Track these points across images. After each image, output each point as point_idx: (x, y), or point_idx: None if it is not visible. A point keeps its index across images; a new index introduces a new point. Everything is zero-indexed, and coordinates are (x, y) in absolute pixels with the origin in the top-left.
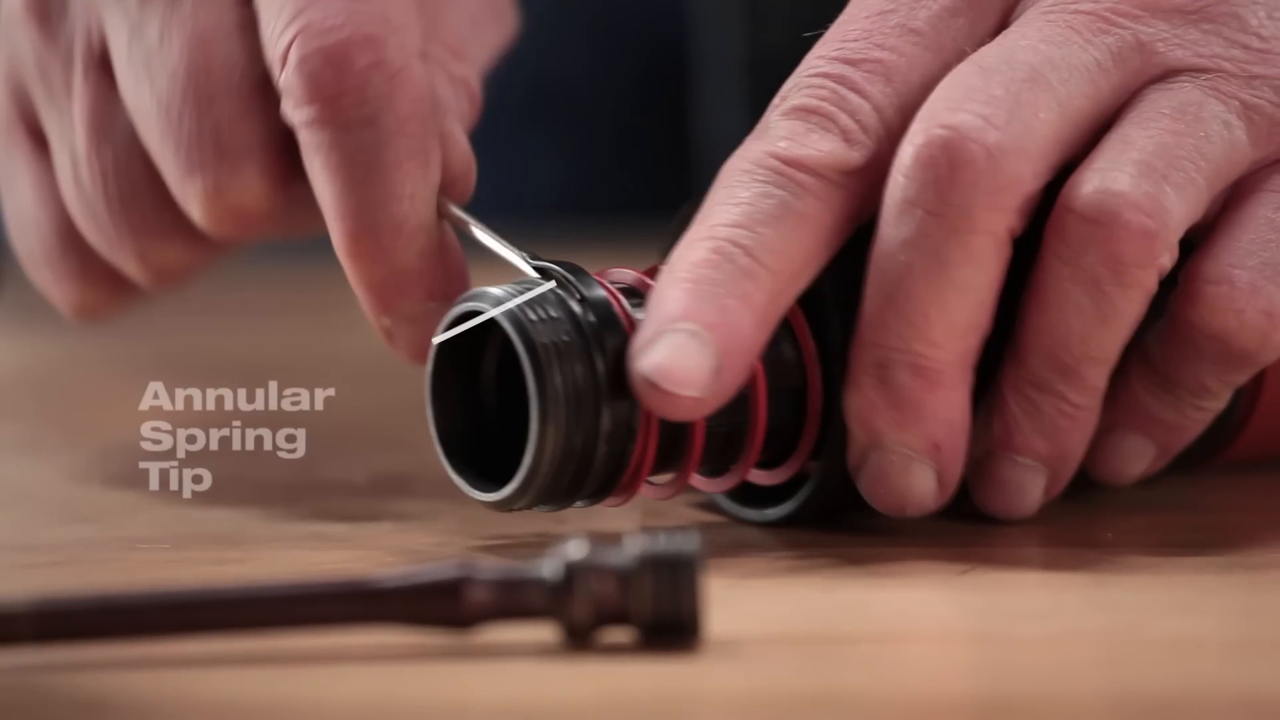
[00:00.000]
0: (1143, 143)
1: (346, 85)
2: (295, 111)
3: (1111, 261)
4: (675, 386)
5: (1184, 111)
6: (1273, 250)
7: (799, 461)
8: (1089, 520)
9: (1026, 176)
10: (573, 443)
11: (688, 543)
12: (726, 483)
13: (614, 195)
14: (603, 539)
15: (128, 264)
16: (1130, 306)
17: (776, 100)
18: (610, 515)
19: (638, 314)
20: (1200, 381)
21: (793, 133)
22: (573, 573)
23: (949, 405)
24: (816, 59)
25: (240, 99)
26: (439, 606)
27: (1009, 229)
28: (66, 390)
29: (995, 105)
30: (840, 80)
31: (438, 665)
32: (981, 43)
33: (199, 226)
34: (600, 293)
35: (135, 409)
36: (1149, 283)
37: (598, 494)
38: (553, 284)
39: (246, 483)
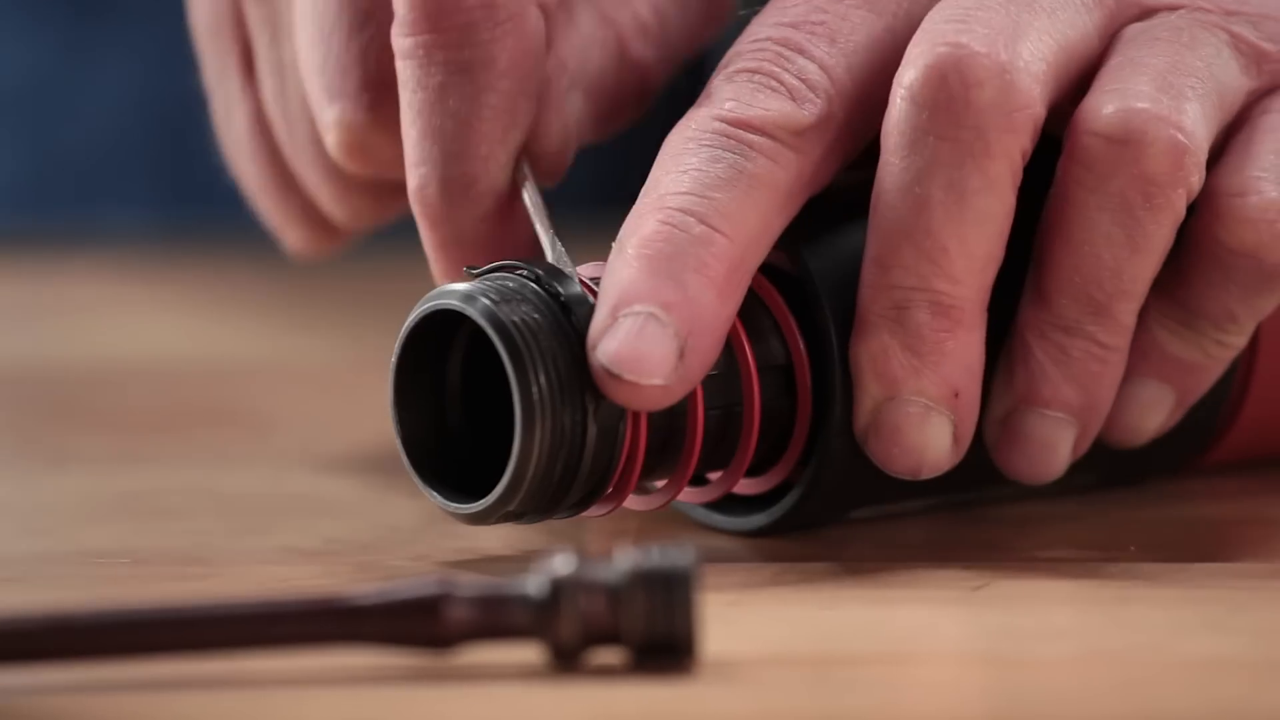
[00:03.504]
0: (1152, 61)
1: (450, 22)
2: (397, 39)
3: (1142, 183)
4: (637, 375)
5: (1179, 35)
6: None
7: (787, 466)
8: (1112, 532)
9: (1037, 98)
10: (560, 434)
11: (682, 557)
12: (717, 489)
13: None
14: (592, 554)
15: (325, 205)
16: (1161, 231)
17: (719, 67)
18: (598, 530)
19: None
20: (1228, 309)
21: (738, 95)
22: (559, 589)
23: (969, 347)
24: (757, 26)
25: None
26: (417, 625)
27: (1023, 153)
28: (19, 397)
29: (998, 26)
30: (783, 43)
31: (415, 688)
32: (926, 7)
33: (335, 158)
34: (576, 287)
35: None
36: (1180, 205)
37: (587, 497)
38: (523, 277)
39: (211, 494)
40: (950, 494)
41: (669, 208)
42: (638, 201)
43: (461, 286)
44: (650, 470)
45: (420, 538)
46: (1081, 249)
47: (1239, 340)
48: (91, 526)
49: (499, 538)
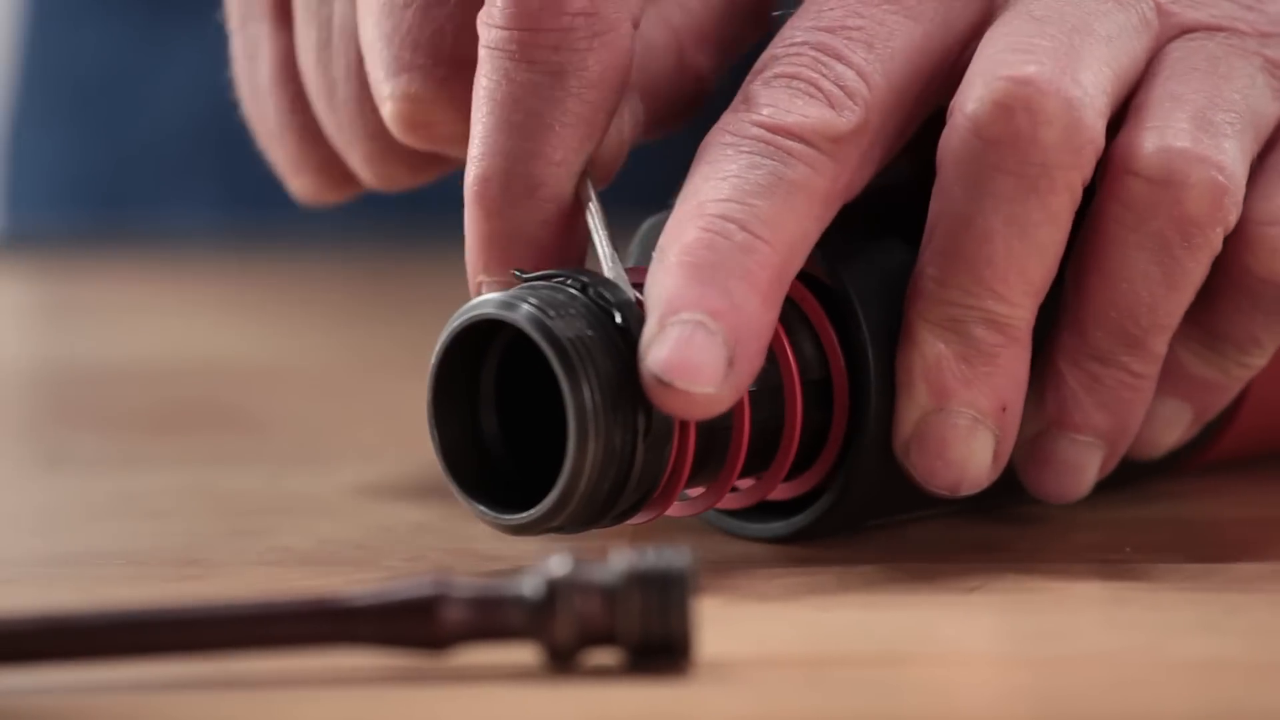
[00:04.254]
0: (1191, 97)
1: (550, 24)
2: (486, 28)
3: (1182, 223)
4: (688, 383)
5: (1215, 66)
6: None
7: (816, 476)
8: (1108, 533)
9: (1100, 131)
10: (611, 449)
11: (678, 558)
12: (750, 497)
13: None
14: (587, 554)
15: (354, 163)
16: (1198, 269)
17: (755, 71)
18: (594, 532)
19: None
20: (1252, 334)
21: (776, 100)
22: (555, 590)
23: (1020, 361)
24: (793, 29)
25: (470, 7)
26: (412, 626)
27: (1084, 182)
28: (16, 398)
29: (1063, 57)
30: (821, 48)
31: (411, 688)
32: (963, 14)
33: (389, 127)
34: (627, 294)
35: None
36: (1216, 242)
37: (632, 509)
38: (571, 287)
39: (207, 495)
40: (966, 506)
41: (710, 215)
42: (676, 208)
43: (501, 296)
44: (693, 479)
45: (416, 539)
46: (1119, 285)
47: (1260, 361)
48: (88, 527)
49: (495, 539)
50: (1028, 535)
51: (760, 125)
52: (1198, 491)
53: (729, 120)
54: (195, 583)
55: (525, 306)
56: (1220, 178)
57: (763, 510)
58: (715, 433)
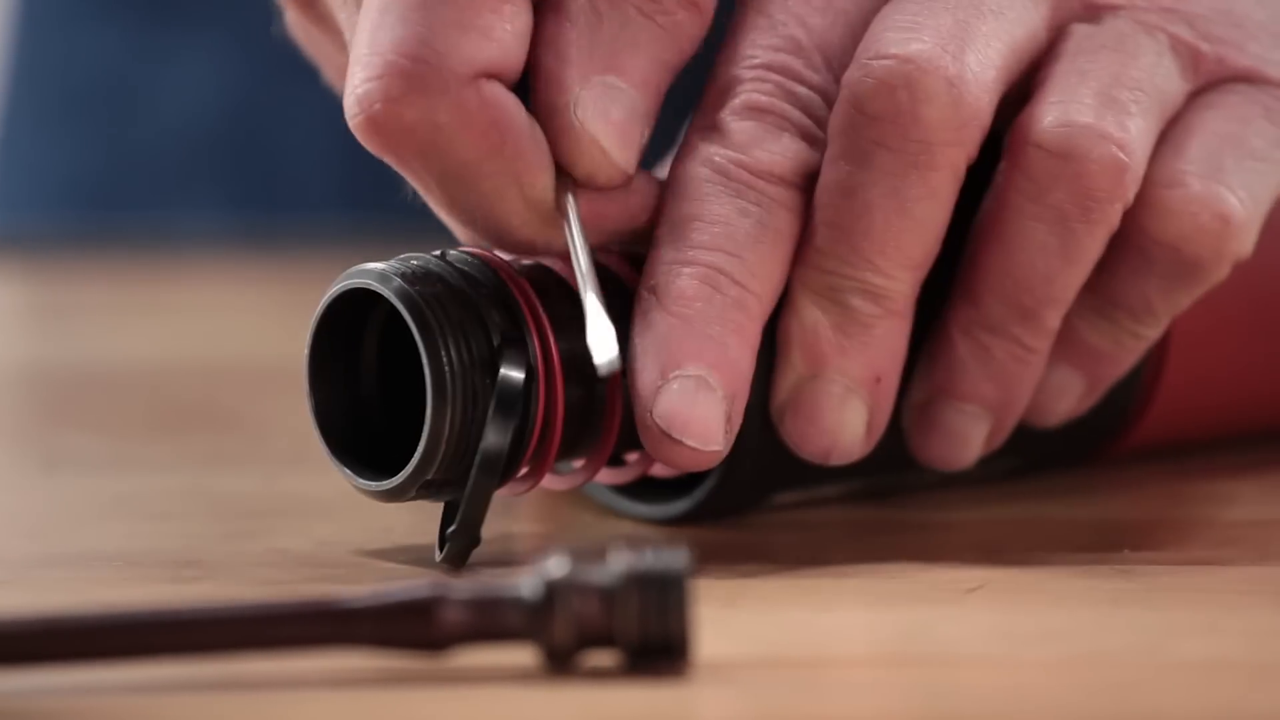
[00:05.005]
0: (1096, 73)
1: (399, 139)
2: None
3: (1081, 197)
4: (695, 440)
5: (1123, 44)
6: (1223, 157)
7: None
8: (1106, 534)
9: (985, 108)
10: (472, 405)
11: (676, 559)
12: (635, 469)
13: None
14: (586, 555)
15: None
16: (1094, 245)
17: (717, 92)
18: (590, 534)
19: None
20: (1146, 301)
21: (753, 137)
22: (553, 591)
23: (896, 335)
24: (752, 47)
25: None
26: (411, 628)
27: (968, 159)
28: (13, 399)
29: (948, 35)
30: (784, 72)
31: (409, 690)
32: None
33: None
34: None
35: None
36: (1114, 219)
37: (504, 470)
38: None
39: (204, 496)
40: (869, 477)
41: (704, 265)
42: (664, 242)
43: (377, 265)
44: (569, 447)
45: (414, 540)
46: (1015, 255)
47: (1153, 333)
48: (85, 529)
49: (493, 540)
50: (1024, 536)
51: (742, 166)
52: (1194, 494)
53: (706, 151)
54: (193, 584)
55: (394, 277)
56: (1121, 155)
57: (663, 491)
58: (590, 397)
